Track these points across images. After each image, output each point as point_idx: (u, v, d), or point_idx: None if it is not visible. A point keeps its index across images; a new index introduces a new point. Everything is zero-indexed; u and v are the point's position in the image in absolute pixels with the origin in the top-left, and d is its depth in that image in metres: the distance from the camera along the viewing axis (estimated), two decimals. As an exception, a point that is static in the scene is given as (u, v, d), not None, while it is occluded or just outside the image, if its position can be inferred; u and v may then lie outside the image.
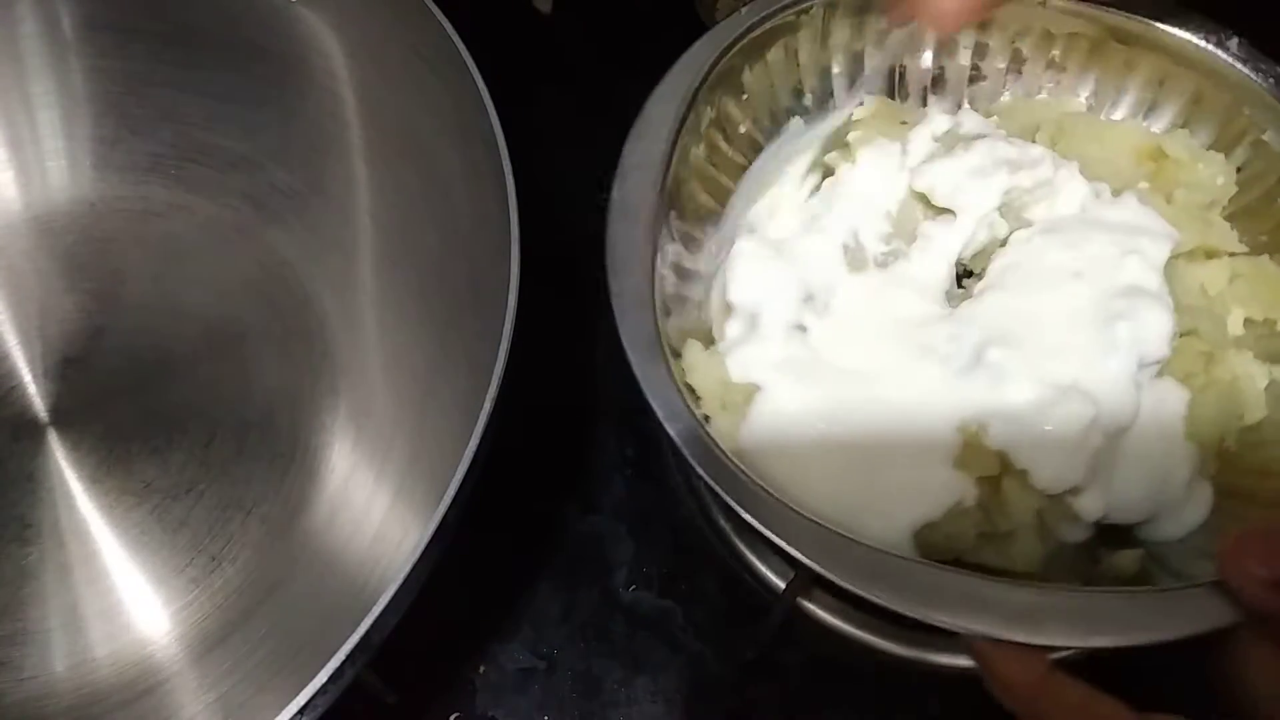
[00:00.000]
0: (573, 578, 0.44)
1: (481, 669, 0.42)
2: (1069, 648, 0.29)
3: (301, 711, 0.28)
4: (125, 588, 0.41)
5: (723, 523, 0.44)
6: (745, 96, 0.43)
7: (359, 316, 0.47)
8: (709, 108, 0.41)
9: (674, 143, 0.38)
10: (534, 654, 0.43)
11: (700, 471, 0.32)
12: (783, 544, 0.30)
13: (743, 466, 0.32)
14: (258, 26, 0.47)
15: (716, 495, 0.32)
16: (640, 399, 0.33)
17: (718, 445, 0.32)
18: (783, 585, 0.42)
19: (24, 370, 0.46)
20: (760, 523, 0.31)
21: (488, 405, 0.33)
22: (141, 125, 0.50)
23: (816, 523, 0.31)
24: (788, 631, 0.42)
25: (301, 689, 0.28)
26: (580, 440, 0.48)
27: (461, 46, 0.40)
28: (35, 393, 0.45)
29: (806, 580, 0.42)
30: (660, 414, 0.33)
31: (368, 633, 0.29)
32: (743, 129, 0.43)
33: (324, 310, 0.47)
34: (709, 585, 0.44)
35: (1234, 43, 0.41)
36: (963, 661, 0.41)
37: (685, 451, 0.32)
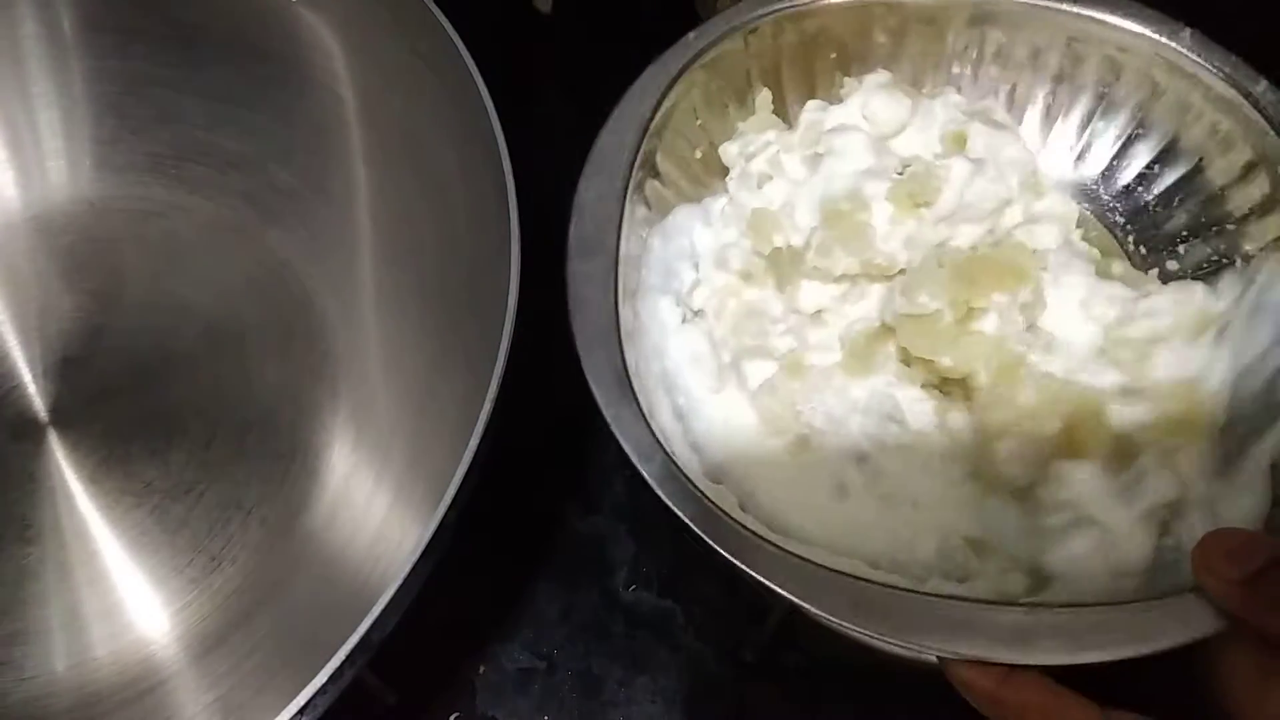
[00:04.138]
0: (573, 578, 0.44)
1: (481, 669, 0.42)
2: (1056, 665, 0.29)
3: (301, 711, 0.28)
4: (125, 588, 0.41)
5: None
6: (699, 122, 0.43)
7: (359, 316, 0.47)
8: (659, 139, 0.40)
9: (628, 179, 0.38)
10: (534, 654, 0.43)
11: (677, 511, 0.31)
12: (760, 578, 0.30)
13: (717, 502, 0.32)
14: (258, 26, 0.47)
15: (692, 532, 0.31)
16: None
17: (691, 481, 0.32)
18: (783, 585, 0.42)
19: (24, 370, 0.46)
20: (737, 559, 0.31)
21: (488, 405, 0.33)
22: (141, 125, 0.50)
23: (797, 556, 0.31)
24: (788, 632, 0.42)
25: (301, 689, 0.28)
26: (580, 440, 0.48)
27: (461, 46, 0.40)
28: (35, 393, 0.45)
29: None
30: (632, 454, 0.32)
31: (368, 633, 0.29)
32: (699, 154, 0.43)
33: (324, 310, 0.47)
34: (709, 585, 0.44)
35: (1186, 34, 0.41)
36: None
37: (660, 491, 0.32)
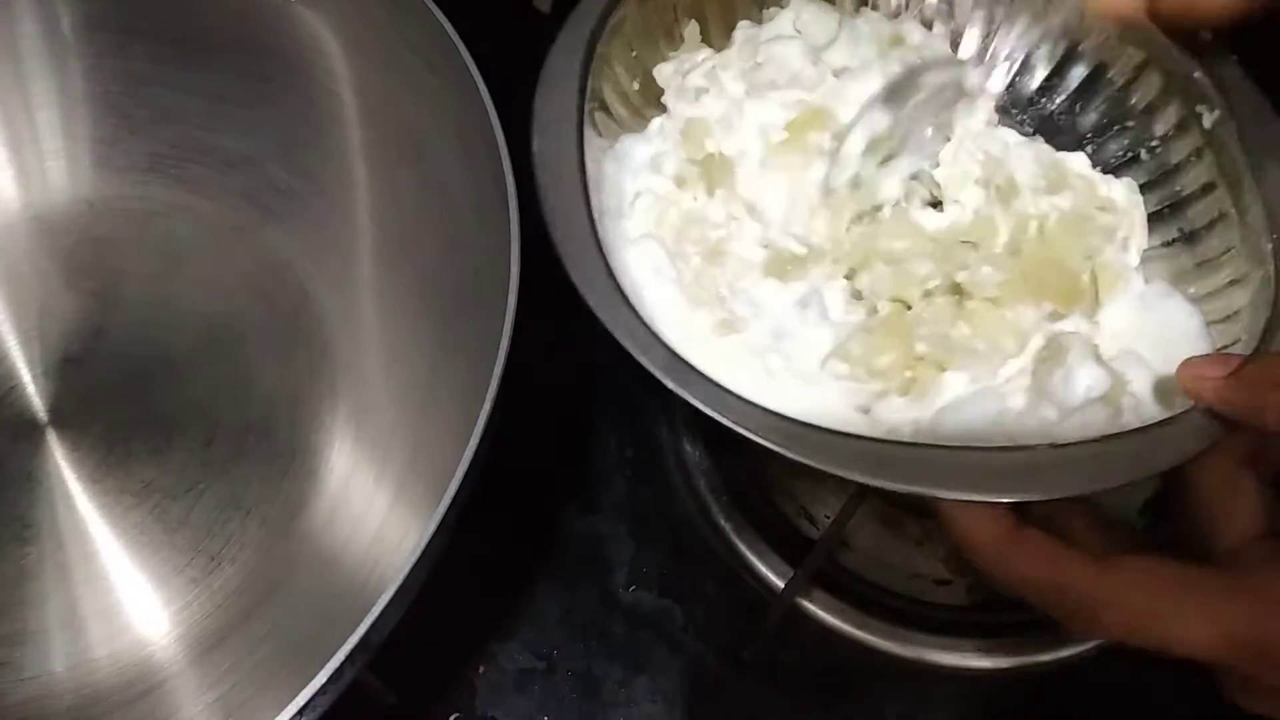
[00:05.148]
0: (573, 578, 0.44)
1: (481, 669, 0.42)
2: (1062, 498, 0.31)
3: (301, 712, 0.28)
4: (125, 588, 0.41)
5: (723, 522, 0.44)
6: (634, 53, 0.42)
7: (359, 316, 0.47)
8: (601, 70, 0.40)
9: (581, 102, 0.38)
10: (534, 654, 0.43)
11: (687, 397, 0.31)
12: (783, 451, 0.30)
13: (726, 385, 0.32)
14: (257, 26, 0.47)
15: (705, 422, 0.31)
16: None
17: (695, 369, 0.32)
18: (782, 585, 0.42)
19: (24, 370, 0.46)
20: (755, 435, 0.31)
21: (488, 405, 0.33)
22: (141, 125, 0.50)
23: (816, 428, 0.31)
24: (787, 631, 0.42)
25: (301, 689, 0.28)
26: (580, 440, 0.48)
27: (461, 46, 0.40)
28: (35, 393, 0.45)
29: (806, 579, 0.42)
30: (632, 349, 0.32)
31: (367, 633, 0.29)
32: (636, 85, 0.43)
33: (324, 310, 0.47)
34: (709, 585, 0.44)
35: None
36: (961, 661, 0.41)
37: (668, 381, 0.31)
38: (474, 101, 0.39)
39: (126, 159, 0.50)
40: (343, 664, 0.29)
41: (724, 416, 0.31)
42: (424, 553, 0.30)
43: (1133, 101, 0.41)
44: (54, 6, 0.48)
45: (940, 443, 0.33)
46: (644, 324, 0.33)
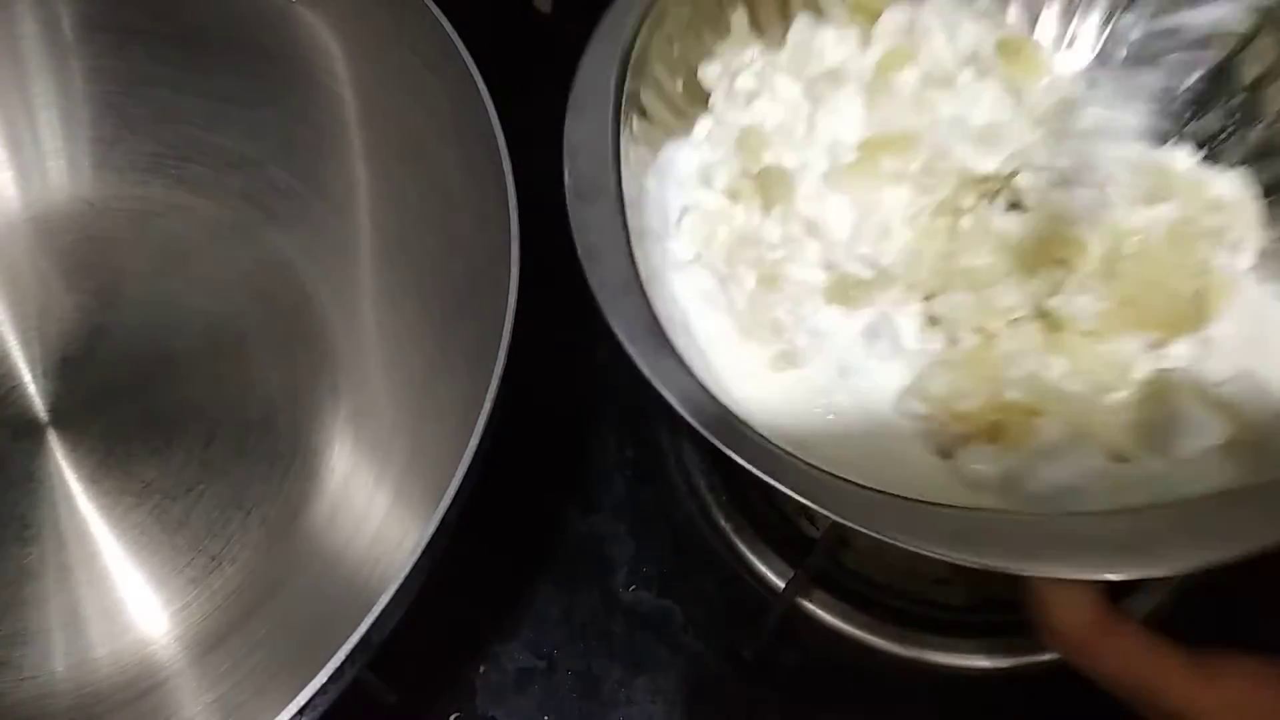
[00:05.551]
0: (573, 578, 0.44)
1: (481, 669, 0.42)
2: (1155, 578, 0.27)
3: (301, 711, 0.28)
4: (125, 588, 0.41)
5: (723, 522, 0.44)
6: (677, 52, 0.39)
7: (359, 317, 0.47)
8: (640, 74, 0.37)
9: (618, 116, 0.35)
10: (534, 654, 0.43)
11: (737, 458, 0.28)
12: (833, 516, 0.27)
13: (777, 442, 0.28)
14: (257, 26, 0.47)
15: (753, 478, 0.28)
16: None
17: (746, 425, 0.29)
18: (782, 585, 0.42)
19: (24, 370, 0.46)
20: (807, 498, 0.27)
21: (488, 405, 0.33)
22: (141, 125, 0.50)
23: (886, 493, 0.27)
24: (787, 631, 0.42)
25: (301, 689, 0.28)
26: (580, 440, 0.48)
27: (461, 46, 0.40)
28: (35, 393, 0.45)
29: (806, 579, 0.42)
30: (681, 409, 0.29)
31: (368, 633, 0.29)
32: (680, 85, 0.40)
33: (324, 310, 0.47)
34: (709, 585, 0.44)
35: None
36: (961, 661, 0.41)
37: (715, 439, 0.28)
38: (474, 101, 0.39)
39: (126, 159, 0.50)
40: (343, 664, 0.29)
41: (784, 485, 0.27)
42: (424, 553, 0.30)
43: (1240, 74, 0.37)
44: (54, 6, 0.48)
45: (1032, 498, 0.30)
46: (696, 380, 0.29)
